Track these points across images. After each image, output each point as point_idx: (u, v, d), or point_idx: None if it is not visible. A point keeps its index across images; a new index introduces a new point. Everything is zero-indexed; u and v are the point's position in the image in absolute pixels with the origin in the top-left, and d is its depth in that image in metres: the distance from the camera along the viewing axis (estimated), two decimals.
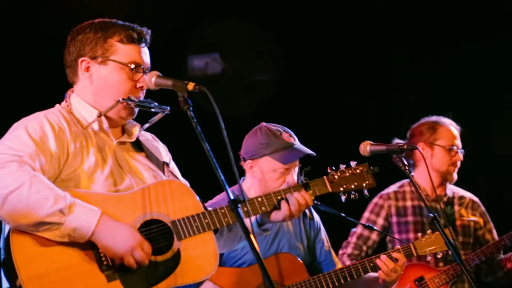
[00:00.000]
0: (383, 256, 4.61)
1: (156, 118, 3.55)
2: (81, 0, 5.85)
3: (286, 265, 4.66)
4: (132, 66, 3.46)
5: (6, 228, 3.23)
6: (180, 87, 3.23)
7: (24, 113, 3.46)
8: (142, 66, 3.49)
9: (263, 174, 4.67)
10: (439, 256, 4.78)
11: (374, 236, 5.61)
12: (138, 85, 3.48)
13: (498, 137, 7.71)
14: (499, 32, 7.45)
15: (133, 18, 3.64)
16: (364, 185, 3.69)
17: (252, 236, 3.03)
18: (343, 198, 3.66)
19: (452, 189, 5.73)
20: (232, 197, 3.09)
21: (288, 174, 4.66)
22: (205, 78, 7.07)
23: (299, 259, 4.75)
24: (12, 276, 3.16)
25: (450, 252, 4.25)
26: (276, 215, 3.61)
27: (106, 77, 3.47)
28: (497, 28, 7.43)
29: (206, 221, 3.38)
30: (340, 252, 5.57)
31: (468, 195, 5.78)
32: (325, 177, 3.68)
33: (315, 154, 4.64)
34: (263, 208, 3.54)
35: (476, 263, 5.42)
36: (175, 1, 6.72)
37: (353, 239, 5.63)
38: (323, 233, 4.97)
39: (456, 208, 5.64)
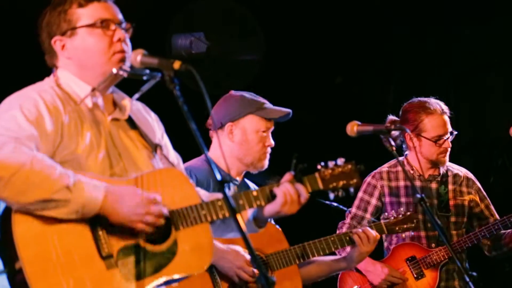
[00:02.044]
0: (362, 228, 4.76)
1: (147, 86, 3.42)
2: None
3: (269, 233, 4.64)
4: (98, 23, 3.37)
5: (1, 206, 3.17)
6: (166, 66, 3.18)
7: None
8: (111, 20, 3.39)
9: (246, 135, 4.69)
10: (412, 233, 5.12)
11: (368, 215, 5.60)
12: (115, 38, 3.38)
13: (483, 119, 7.71)
14: (485, 15, 7.43)
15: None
16: (351, 183, 3.66)
17: (238, 216, 3.02)
18: (331, 195, 3.64)
19: (446, 167, 5.65)
20: (219, 178, 3.08)
21: (268, 137, 4.70)
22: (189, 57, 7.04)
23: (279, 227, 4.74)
24: (9, 258, 3.11)
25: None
26: (270, 209, 3.54)
27: (81, 45, 3.38)
28: (481, 10, 7.41)
29: (204, 212, 3.35)
30: (337, 232, 5.55)
31: (463, 172, 5.71)
32: (316, 173, 3.60)
33: (290, 111, 4.70)
34: (258, 202, 3.50)
35: (468, 245, 5.40)
36: None
37: (347, 220, 5.64)
38: None
39: (450, 187, 5.60)
